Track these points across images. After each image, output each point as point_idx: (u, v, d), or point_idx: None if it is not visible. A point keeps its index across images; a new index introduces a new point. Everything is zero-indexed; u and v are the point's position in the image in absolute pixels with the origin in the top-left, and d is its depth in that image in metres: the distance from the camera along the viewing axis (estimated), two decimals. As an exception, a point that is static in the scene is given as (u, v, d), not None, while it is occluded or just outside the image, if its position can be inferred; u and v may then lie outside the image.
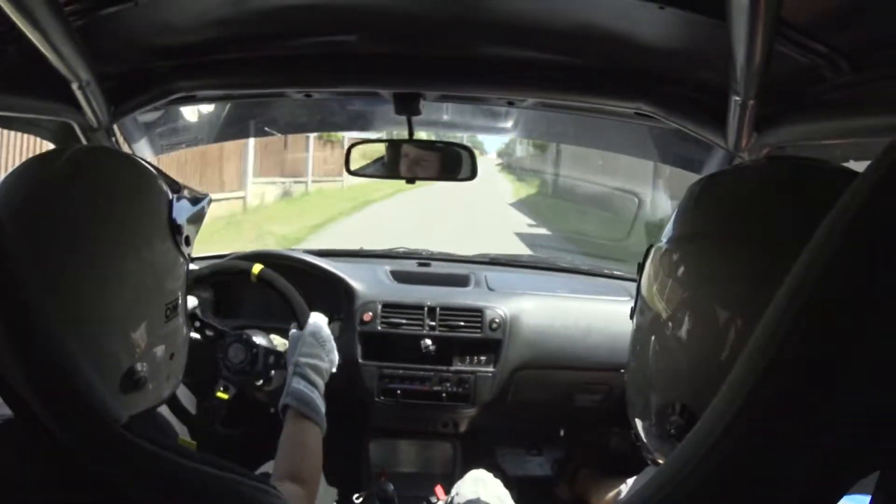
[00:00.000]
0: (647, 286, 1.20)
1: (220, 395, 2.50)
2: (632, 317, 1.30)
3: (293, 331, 2.20)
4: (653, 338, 1.16)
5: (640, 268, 1.26)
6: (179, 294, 1.42)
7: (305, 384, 1.97)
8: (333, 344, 2.17)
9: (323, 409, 1.97)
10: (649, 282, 1.19)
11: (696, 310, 1.07)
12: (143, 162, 1.43)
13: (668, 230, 1.19)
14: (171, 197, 1.38)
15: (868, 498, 0.68)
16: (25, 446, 1.07)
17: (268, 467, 2.85)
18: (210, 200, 1.58)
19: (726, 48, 1.42)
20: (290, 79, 2.20)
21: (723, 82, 1.66)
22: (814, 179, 1.07)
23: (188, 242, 1.42)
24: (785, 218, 1.00)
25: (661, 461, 1.19)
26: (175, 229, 1.37)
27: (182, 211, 1.40)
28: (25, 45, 1.52)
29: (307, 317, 2.21)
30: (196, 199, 1.50)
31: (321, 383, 2.03)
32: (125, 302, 1.26)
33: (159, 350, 1.36)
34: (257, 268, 2.46)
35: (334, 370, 2.15)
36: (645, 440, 1.21)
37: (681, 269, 1.11)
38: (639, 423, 1.23)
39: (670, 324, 1.11)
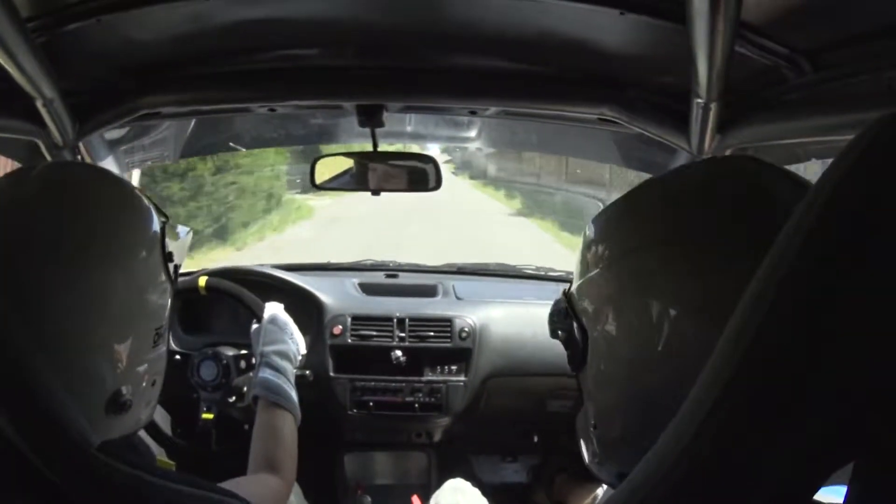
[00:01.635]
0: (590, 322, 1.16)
1: (205, 416, 2.51)
2: (575, 369, 1.28)
3: (254, 326, 2.20)
4: (589, 365, 1.17)
5: (562, 316, 1.25)
6: (165, 321, 1.41)
7: (272, 372, 1.97)
8: (294, 326, 2.17)
9: (294, 394, 1.96)
10: (587, 314, 1.16)
11: (626, 313, 1.05)
12: (130, 183, 1.43)
13: (581, 268, 1.18)
14: (161, 225, 1.38)
15: (844, 488, 0.69)
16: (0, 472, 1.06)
17: None
18: (190, 231, 1.58)
19: (687, 52, 1.44)
20: (254, 93, 2.20)
21: (685, 85, 1.67)
22: (754, 178, 1.06)
23: (176, 270, 1.43)
24: (721, 222, 0.99)
25: (604, 479, 1.19)
26: (167, 256, 1.37)
27: (171, 238, 1.41)
28: None
29: (262, 308, 2.21)
30: (180, 228, 1.50)
31: (289, 367, 2.03)
32: (114, 321, 1.25)
33: (144, 375, 1.35)
34: (202, 280, 2.47)
35: (303, 350, 2.15)
36: (591, 465, 1.21)
37: (604, 293, 1.09)
38: (582, 444, 1.25)
39: (606, 333, 1.10)
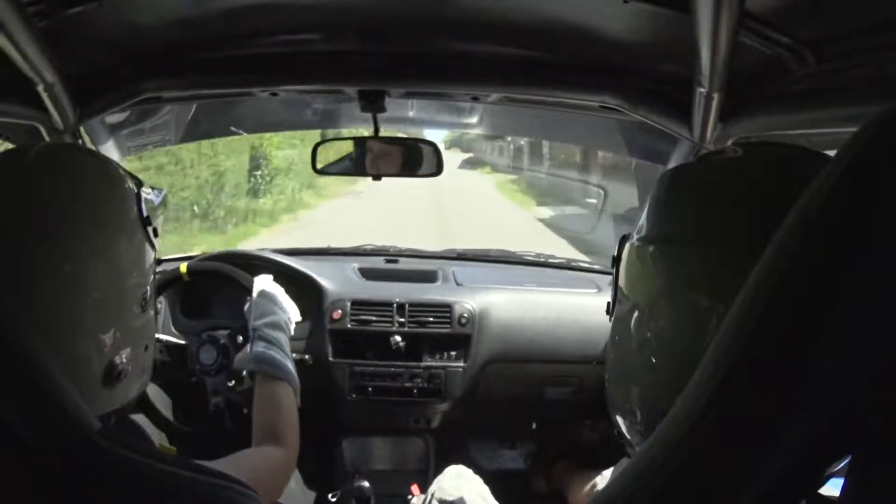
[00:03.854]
0: (626, 282, 1.19)
1: (215, 400, 2.53)
2: (608, 311, 1.29)
3: (247, 306, 2.21)
4: (632, 333, 1.15)
5: (615, 261, 1.26)
6: (149, 286, 1.43)
7: (265, 345, 1.98)
8: (284, 295, 2.19)
9: (290, 364, 1.98)
10: (627, 278, 1.19)
11: (674, 308, 1.06)
12: (107, 158, 1.43)
13: (641, 225, 1.18)
14: (136, 190, 1.39)
15: (840, 481, 0.69)
16: None
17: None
18: (167, 193, 1.59)
19: (691, 41, 1.43)
20: (256, 78, 2.20)
21: (687, 74, 1.67)
22: (789, 166, 1.07)
23: (156, 233, 1.43)
24: (762, 208, 0.97)
25: None
26: (145, 221, 1.38)
27: (148, 202, 1.41)
28: None
29: (250, 282, 2.22)
30: (157, 192, 1.51)
31: (282, 336, 2.05)
32: (102, 296, 1.27)
33: (136, 342, 1.37)
34: (183, 266, 2.48)
35: (297, 318, 2.17)
36: (628, 436, 1.20)
37: (658, 267, 1.10)
38: (620, 420, 1.22)
39: (650, 323, 1.11)
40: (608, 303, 1.30)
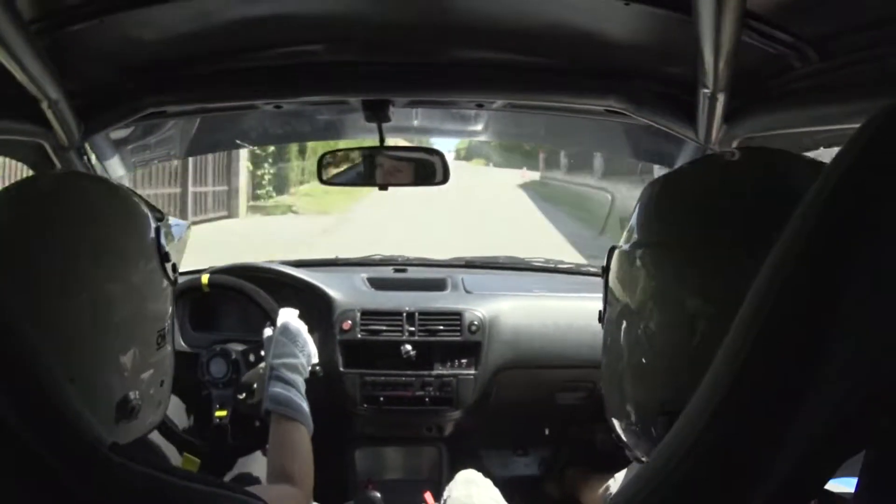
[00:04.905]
0: (614, 289, 1.20)
1: (219, 413, 2.52)
2: (600, 320, 1.30)
3: (266, 333, 2.21)
4: (622, 339, 1.16)
5: (605, 270, 1.26)
6: (168, 321, 1.41)
7: (282, 386, 1.98)
8: (307, 336, 2.18)
9: (305, 406, 1.98)
10: (615, 285, 1.20)
11: (664, 310, 1.08)
12: (126, 188, 1.42)
13: (630, 232, 1.19)
14: (155, 224, 1.37)
15: (854, 480, 0.69)
16: (12, 472, 1.06)
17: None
18: (190, 226, 1.58)
19: (693, 42, 1.43)
20: (260, 91, 2.20)
21: (691, 76, 1.67)
22: (778, 174, 1.08)
23: (175, 269, 1.42)
24: (748, 214, 1.01)
25: (643, 458, 1.19)
26: (164, 256, 1.37)
27: (167, 237, 1.40)
28: None
29: (276, 311, 2.21)
30: (178, 226, 1.50)
31: (299, 380, 2.04)
32: (117, 330, 1.26)
33: (151, 377, 1.35)
34: (205, 277, 2.48)
35: (315, 360, 2.16)
36: (625, 439, 1.21)
37: (645, 272, 1.12)
38: (616, 422, 1.23)
39: (640, 325, 1.12)
40: (599, 311, 1.30)
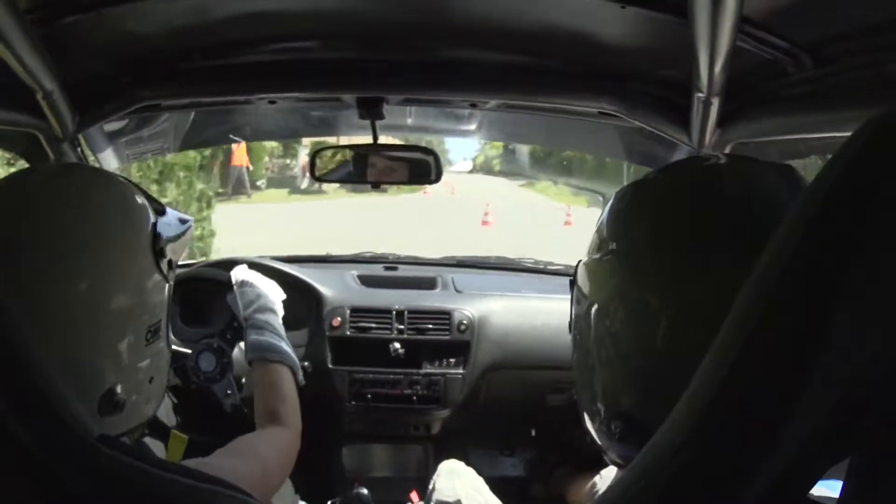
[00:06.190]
0: (579, 299, 1.23)
1: (229, 402, 2.52)
2: (570, 330, 1.32)
3: (228, 297, 2.20)
4: (590, 348, 1.17)
5: (572, 284, 1.28)
6: (162, 317, 1.40)
7: (256, 331, 1.98)
8: (263, 279, 2.17)
9: (285, 345, 1.98)
10: (585, 285, 1.21)
11: (630, 320, 1.08)
12: (125, 181, 1.41)
13: (597, 239, 1.20)
14: (154, 219, 1.36)
15: (839, 483, 0.69)
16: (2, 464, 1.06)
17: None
18: (192, 223, 1.57)
19: (688, 45, 1.44)
20: (254, 86, 2.20)
21: (686, 80, 1.68)
22: (756, 182, 1.09)
23: (171, 266, 1.41)
24: (714, 219, 1.03)
25: (614, 458, 1.20)
26: (158, 252, 1.35)
27: (165, 233, 1.39)
28: None
29: (228, 277, 2.21)
30: (181, 222, 1.49)
31: (273, 318, 2.05)
32: (103, 323, 1.25)
33: (139, 372, 1.34)
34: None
35: (281, 296, 2.16)
36: (598, 441, 1.22)
37: (610, 275, 1.13)
38: (589, 423, 1.24)
39: (605, 334, 1.13)
40: (569, 322, 1.33)
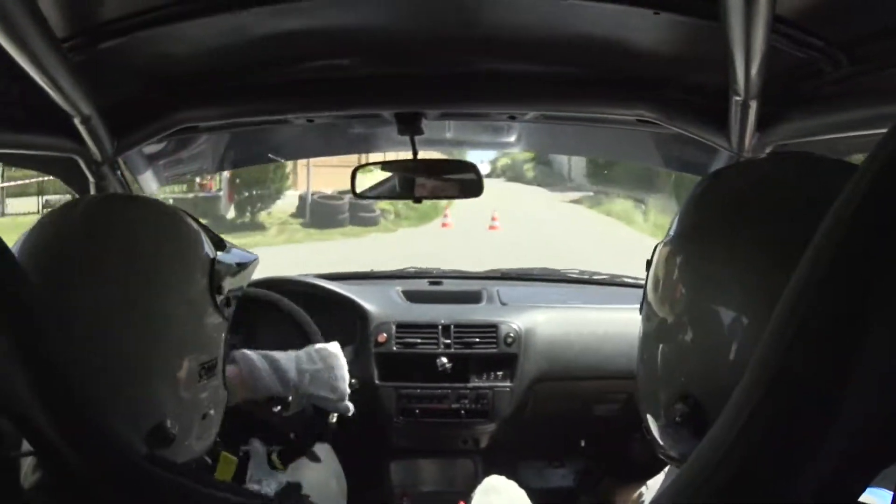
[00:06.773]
0: (653, 282, 1.21)
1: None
2: (641, 311, 1.30)
3: (301, 352, 2.22)
4: (659, 332, 1.17)
5: (648, 264, 1.26)
6: (218, 355, 1.38)
7: None
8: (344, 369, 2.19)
9: None
10: (655, 278, 1.20)
11: (699, 304, 1.08)
12: (183, 213, 1.38)
13: (671, 227, 1.20)
14: (213, 255, 1.35)
15: (889, 493, 0.68)
16: (46, 480, 1.06)
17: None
18: (257, 260, 1.56)
19: (723, 49, 1.43)
20: (292, 104, 2.21)
21: (722, 83, 1.66)
22: (815, 175, 1.08)
23: (229, 303, 1.39)
24: (786, 214, 1.01)
25: (674, 455, 1.18)
26: (216, 289, 1.34)
27: (225, 270, 1.38)
28: (26, 81, 1.53)
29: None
30: (242, 259, 1.48)
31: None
32: (156, 359, 1.24)
33: (191, 409, 1.33)
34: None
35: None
36: (658, 438, 1.21)
37: (683, 266, 1.12)
38: (651, 419, 1.22)
39: (674, 318, 1.12)
40: (640, 303, 1.30)
